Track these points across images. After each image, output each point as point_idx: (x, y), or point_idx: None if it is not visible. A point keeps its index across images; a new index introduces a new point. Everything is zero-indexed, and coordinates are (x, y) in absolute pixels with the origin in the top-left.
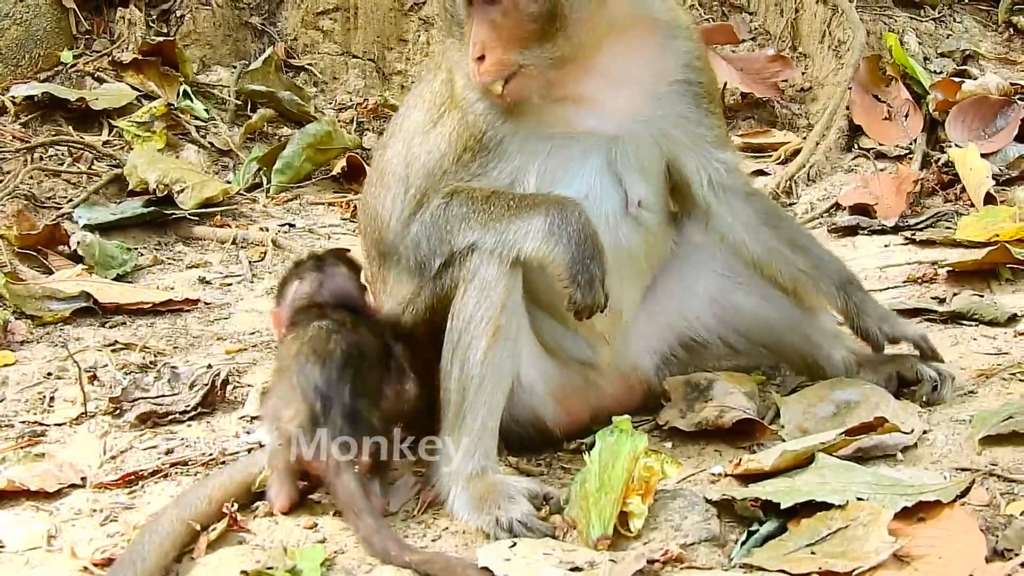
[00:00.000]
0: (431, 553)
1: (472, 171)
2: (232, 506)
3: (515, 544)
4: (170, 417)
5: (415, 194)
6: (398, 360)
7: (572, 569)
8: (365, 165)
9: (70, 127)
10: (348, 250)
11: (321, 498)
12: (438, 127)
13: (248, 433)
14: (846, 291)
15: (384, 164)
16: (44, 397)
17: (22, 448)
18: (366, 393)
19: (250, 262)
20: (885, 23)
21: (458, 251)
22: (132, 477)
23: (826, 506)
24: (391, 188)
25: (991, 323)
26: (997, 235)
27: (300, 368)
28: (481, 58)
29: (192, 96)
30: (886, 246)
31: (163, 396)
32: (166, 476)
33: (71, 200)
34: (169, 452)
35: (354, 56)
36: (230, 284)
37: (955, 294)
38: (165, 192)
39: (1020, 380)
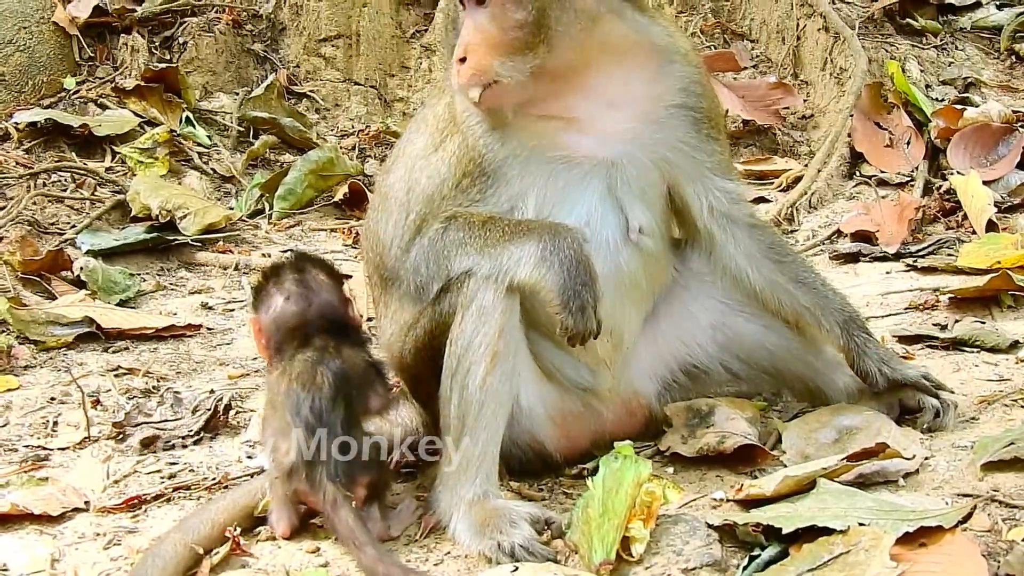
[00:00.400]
0: None
1: (471, 196)
2: (235, 530)
3: (517, 568)
4: (173, 442)
5: (415, 219)
6: (379, 367)
7: None
8: (367, 192)
9: (73, 153)
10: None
11: (323, 523)
12: (439, 152)
13: (250, 458)
14: (849, 330)
15: (387, 189)
16: (48, 422)
17: (26, 472)
18: (356, 421)
19: (252, 288)
20: (887, 51)
21: (456, 276)
22: (135, 501)
23: (828, 531)
24: (392, 213)
25: (993, 350)
26: (999, 262)
27: (291, 404)
28: (463, 60)
29: (195, 123)
30: (888, 273)
31: (166, 421)
32: (169, 500)
33: (74, 226)
34: (172, 476)
35: (356, 83)
36: (232, 310)
37: (957, 321)
38: (168, 218)
39: (1022, 407)
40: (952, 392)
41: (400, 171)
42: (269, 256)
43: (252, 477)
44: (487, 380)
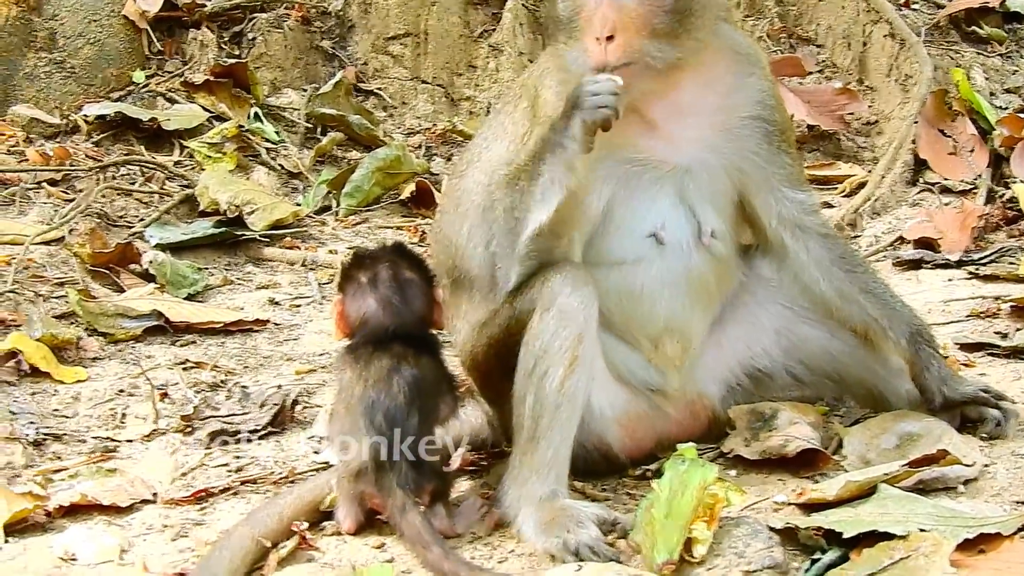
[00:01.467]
0: (499, 574)
1: None
2: (302, 525)
3: (581, 567)
4: (240, 436)
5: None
6: (452, 378)
7: None
8: (434, 190)
9: (142, 147)
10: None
11: (388, 521)
12: (520, 155)
13: (317, 453)
14: (915, 344)
15: (461, 193)
16: (116, 413)
17: (94, 463)
18: (427, 429)
19: (319, 284)
20: (952, 58)
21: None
22: (203, 494)
23: (888, 536)
24: (468, 217)
25: None
26: None
27: (365, 409)
28: (609, 39)
29: (263, 118)
30: (950, 280)
31: (233, 415)
32: (236, 494)
33: (143, 219)
34: (239, 470)
35: (423, 81)
36: (299, 305)
37: (1018, 329)
38: (236, 213)
39: None
40: (1013, 402)
41: (478, 175)
42: (336, 252)
43: (318, 472)
44: (565, 383)
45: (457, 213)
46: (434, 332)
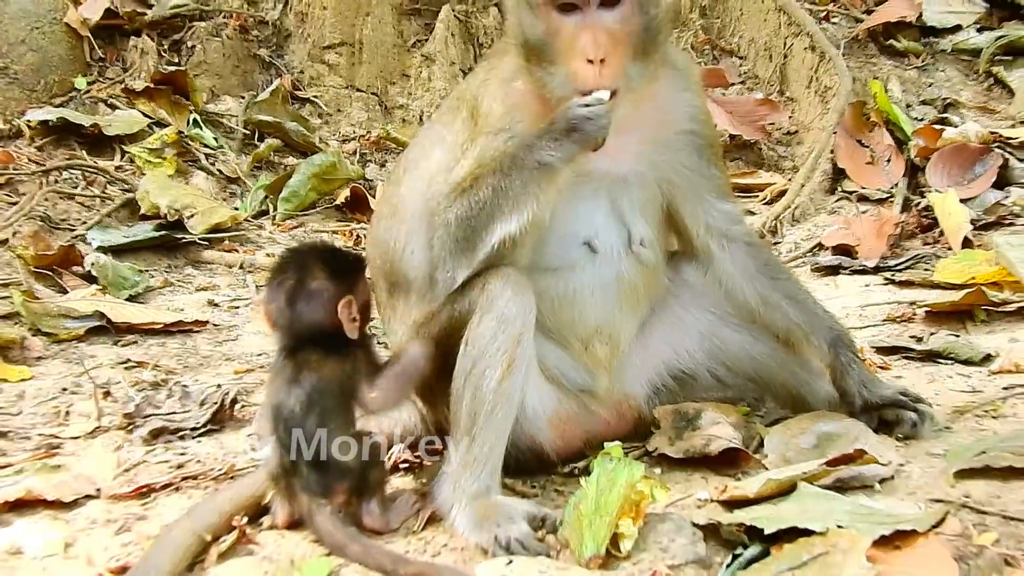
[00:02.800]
0: (424, 563)
1: None
2: (242, 520)
3: (511, 561)
4: (181, 433)
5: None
6: (376, 365)
7: None
8: (368, 195)
9: (84, 152)
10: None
11: None
12: (461, 163)
13: (255, 450)
14: (836, 349)
15: (397, 200)
16: (60, 411)
17: (39, 459)
18: (336, 431)
19: (256, 286)
20: (870, 70)
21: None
22: (145, 489)
23: (807, 533)
24: (406, 222)
25: (966, 362)
26: (973, 278)
27: (272, 414)
28: (599, 61)
29: (202, 124)
30: (867, 286)
31: (174, 413)
32: (178, 489)
33: (85, 222)
34: (180, 467)
35: (358, 90)
36: (238, 307)
37: (932, 333)
38: (176, 217)
39: (993, 417)
40: (930, 405)
41: (416, 183)
42: (273, 255)
43: (257, 469)
44: (502, 384)
45: (394, 219)
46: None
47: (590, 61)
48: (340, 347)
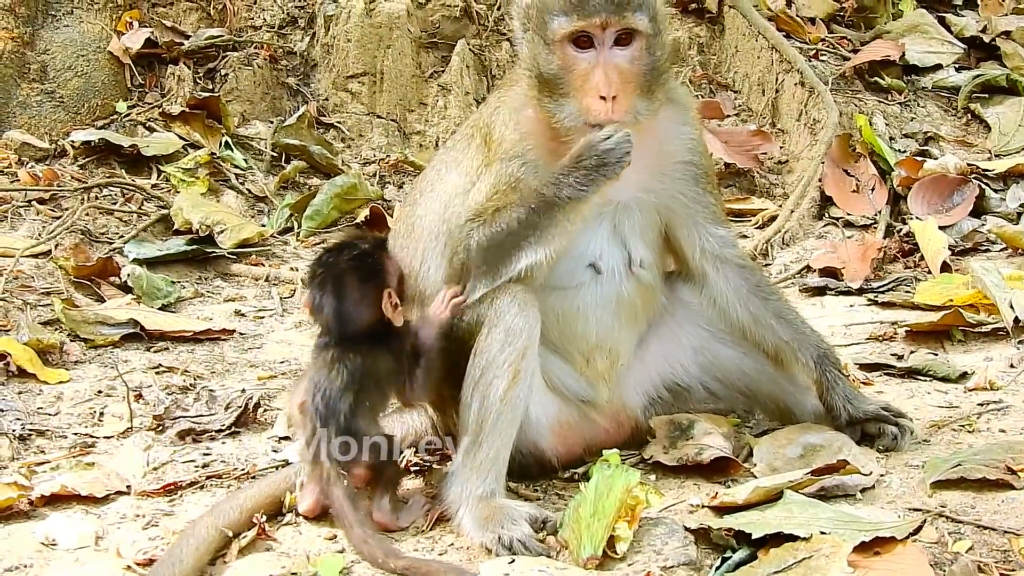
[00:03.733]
0: (414, 558)
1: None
2: (262, 517)
3: (513, 560)
4: (207, 434)
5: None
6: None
7: None
8: (386, 215)
9: (123, 170)
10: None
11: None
12: (477, 186)
13: (275, 451)
14: (822, 366)
15: (415, 220)
16: (95, 412)
17: (74, 457)
18: (366, 415)
19: (281, 298)
20: (856, 105)
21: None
22: (172, 487)
23: (792, 538)
24: (422, 241)
25: (944, 379)
26: (951, 300)
27: (310, 390)
28: (613, 97)
29: (233, 147)
30: (851, 306)
31: (201, 415)
32: (202, 487)
33: (122, 236)
34: (205, 466)
35: (379, 116)
36: (263, 317)
37: (912, 352)
38: (207, 232)
39: (968, 431)
40: (910, 420)
41: (432, 204)
42: (296, 270)
43: (277, 469)
44: (508, 394)
45: (411, 237)
46: (388, 328)
47: (603, 97)
48: (389, 339)
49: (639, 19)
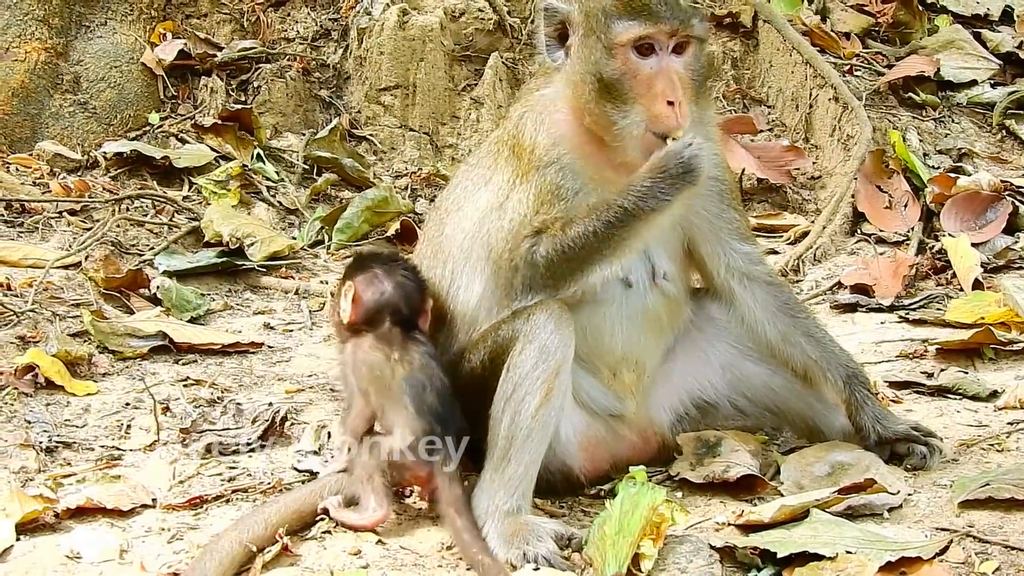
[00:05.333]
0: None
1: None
2: (284, 534)
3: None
4: (233, 448)
5: (509, 259)
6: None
7: None
8: (417, 228)
9: (154, 182)
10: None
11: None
12: (512, 198)
13: (300, 462)
14: (851, 386)
15: (441, 241)
16: (122, 425)
17: (100, 470)
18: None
19: (310, 311)
20: (890, 121)
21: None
22: (197, 500)
23: (818, 557)
24: (449, 262)
25: (974, 398)
26: (983, 318)
27: (414, 391)
28: (673, 103)
29: (264, 159)
30: (882, 323)
31: (228, 429)
32: (228, 501)
33: (152, 248)
34: (231, 480)
35: (411, 129)
36: (292, 330)
37: (942, 370)
38: (237, 245)
39: (998, 451)
40: (940, 440)
41: (460, 224)
42: (326, 283)
43: (303, 483)
44: (539, 411)
45: (437, 259)
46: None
47: (670, 103)
48: (414, 336)
49: (699, 27)
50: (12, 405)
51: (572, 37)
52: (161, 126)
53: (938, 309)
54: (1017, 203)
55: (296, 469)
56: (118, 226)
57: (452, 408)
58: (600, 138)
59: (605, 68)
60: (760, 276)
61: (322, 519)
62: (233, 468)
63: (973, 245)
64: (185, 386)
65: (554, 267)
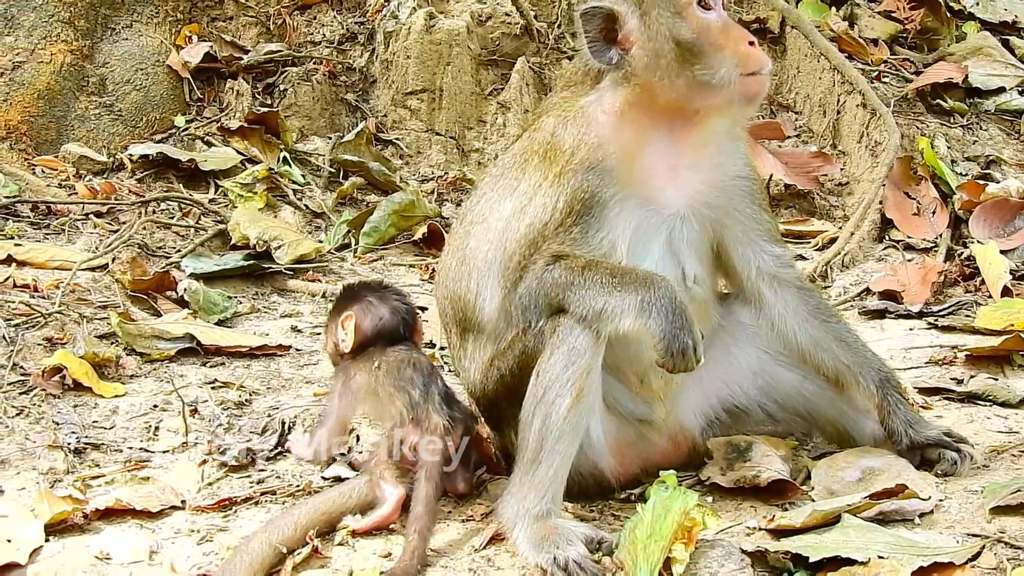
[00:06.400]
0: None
1: (573, 236)
2: (314, 536)
3: None
4: (262, 451)
5: (518, 261)
6: None
7: None
8: (444, 232)
9: (180, 184)
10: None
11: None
12: (537, 200)
13: (329, 465)
14: (884, 389)
15: (466, 252)
16: (150, 427)
17: (129, 471)
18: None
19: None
20: (918, 128)
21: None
22: (227, 502)
23: (850, 562)
24: (475, 272)
25: (1004, 404)
26: (1012, 325)
27: (399, 377)
28: (752, 43)
29: (291, 162)
30: (911, 330)
31: (255, 433)
32: (257, 503)
33: (179, 250)
34: (260, 482)
35: (437, 133)
36: (319, 333)
37: (972, 376)
38: (264, 248)
39: None
40: (972, 446)
41: (486, 234)
42: None
43: (332, 486)
44: (570, 412)
45: (462, 269)
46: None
47: (751, 43)
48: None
49: None
50: (40, 406)
51: (626, 27)
52: (187, 129)
53: (967, 316)
54: None
55: (326, 470)
56: (144, 228)
57: (433, 377)
58: (653, 127)
59: (681, 32)
60: (790, 280)
61: (347, 526)
62: (262, 471)
63: (1002, 252)
64: (213, 388)
65: (552, 294)
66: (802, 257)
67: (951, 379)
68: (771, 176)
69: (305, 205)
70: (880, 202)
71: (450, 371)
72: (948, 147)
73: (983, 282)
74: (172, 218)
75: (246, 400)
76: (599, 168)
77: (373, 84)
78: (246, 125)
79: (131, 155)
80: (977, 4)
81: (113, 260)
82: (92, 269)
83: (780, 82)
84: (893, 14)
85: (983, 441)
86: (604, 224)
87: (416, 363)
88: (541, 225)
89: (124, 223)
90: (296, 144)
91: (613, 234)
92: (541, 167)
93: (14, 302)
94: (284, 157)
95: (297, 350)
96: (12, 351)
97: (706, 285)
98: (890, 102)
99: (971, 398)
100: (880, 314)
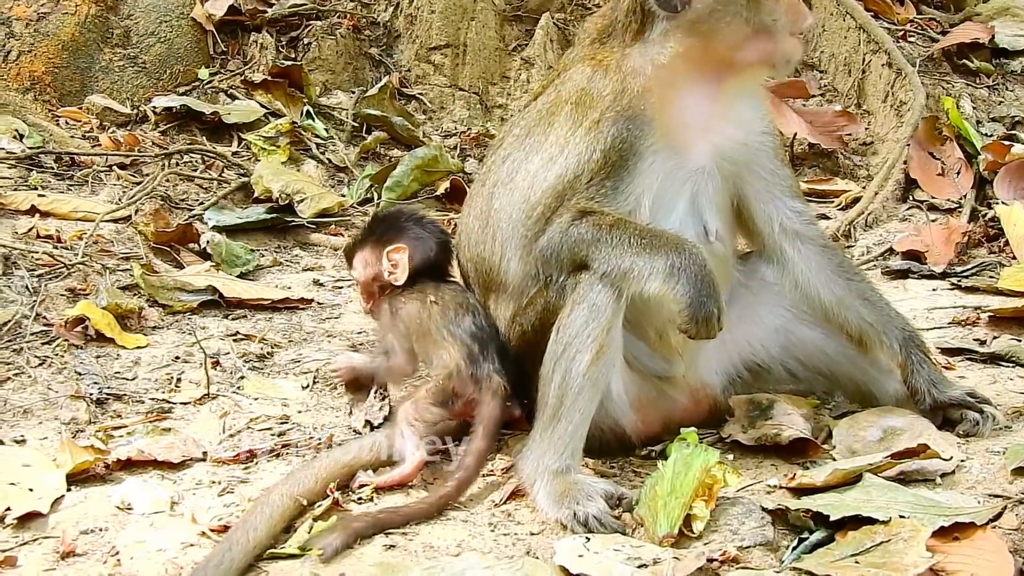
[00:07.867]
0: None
1: (602, 192)
2: (335, 489)
3: (589, 539)
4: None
5: (542, 212)
6: None
7: (639, 565)
8: (466, 187)
9: (203, 137)
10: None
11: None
12: (571, 148)
13: (350, 414)
14: (907, 348)
15: (489, 213)
16: (172, 378)
17: (151, 422)
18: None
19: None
20: (943, 88)
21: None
22: (248, 454)
23: (871, 521)
24: (499, 234)
25: None
26: None
27: (453, 321)
28: None
29: (314, 116)
30: (934, 290)
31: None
32: (278, 455)
33: (202, 203)
34: (282, 434)
35: (460, 89)
36: (341, 287)
37: (995, 337)
38: (287, 201)
39: None
40: (995, 407)
41: (510, 195)
42: None
43: (353, 439)
44: (590, 369)
45: (486, 231)
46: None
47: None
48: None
49: None
50: (62, 357)
51: None
52: (210, 81)
53: (990, 277)
54: None
55: (350, 428)
56: (167, 180)
57: (492, 331)
58: (694, 80)
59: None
60: (813, 237)
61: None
62: (283, 423)
63: None
64: (235, 340)
65: (576, 249)
66: (825, 216)
67: (974, 340)
68: (795, 135)
69: (328, 159)
70: (904, 162)
71: None
72: (973, 107)
73: (1007, 243)
74: (195, 170)
75: (268, 352)
76: (640, 118)
77: (397, 39)
78: (270, 78)
79: (155, 107)
80: None
81: (136, 212)
82: (115, 220)
83: (805, 41)
84: None
85: (1005, 402)
86: (635, 176)
87: (475, 311)
88: (573, 177)
89: (147, 175)
90: (319, 98)
91: (641, 186)
92: (573, 115)
93: (37, 252)
94: (307, 111)
95: (319, 303)
96: (35, 301)
97: (727, 242)
98: (915, 62)
99: (994, 359)
100: (903, 274)
